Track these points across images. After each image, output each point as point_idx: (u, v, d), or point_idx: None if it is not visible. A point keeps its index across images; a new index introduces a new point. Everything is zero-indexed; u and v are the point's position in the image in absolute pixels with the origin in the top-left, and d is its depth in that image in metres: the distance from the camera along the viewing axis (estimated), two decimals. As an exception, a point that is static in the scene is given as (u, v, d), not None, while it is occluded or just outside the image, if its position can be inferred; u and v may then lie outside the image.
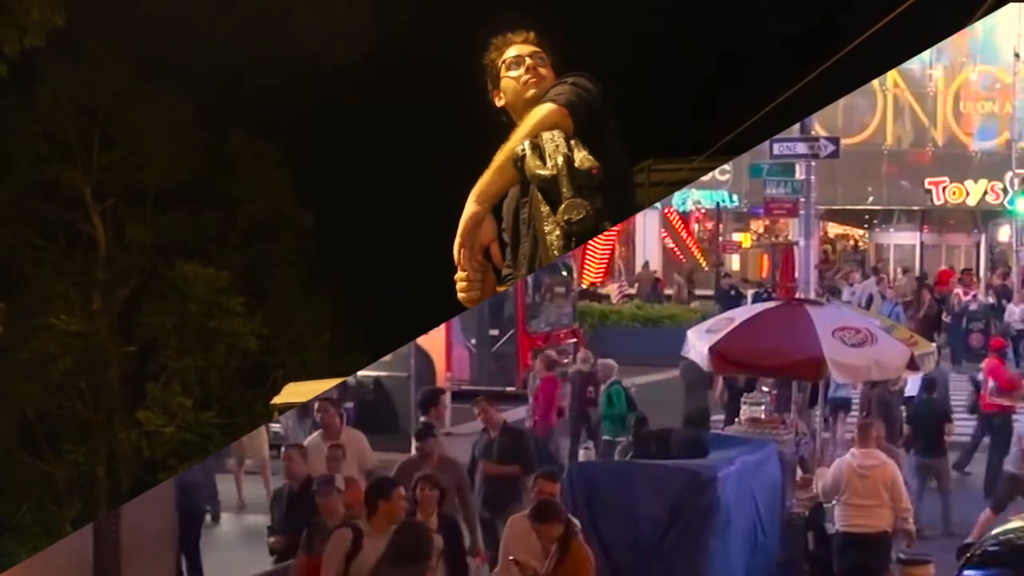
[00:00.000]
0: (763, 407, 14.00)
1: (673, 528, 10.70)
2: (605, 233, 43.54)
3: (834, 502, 12.33)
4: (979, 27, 33.37)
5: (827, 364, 12.64)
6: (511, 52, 5.04)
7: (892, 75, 35.19)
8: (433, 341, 24.87)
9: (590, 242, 43.02)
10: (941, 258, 38.33)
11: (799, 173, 20.69)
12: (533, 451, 13.10)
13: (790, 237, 32.10)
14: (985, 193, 34.97)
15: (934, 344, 15.06)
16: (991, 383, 16.88)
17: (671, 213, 44.66)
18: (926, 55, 34.54)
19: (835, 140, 20.71)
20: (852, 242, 43.77)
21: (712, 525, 10.77)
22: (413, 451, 11.90)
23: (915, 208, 37.53)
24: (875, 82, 34.69)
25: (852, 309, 15.46)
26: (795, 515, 12.79)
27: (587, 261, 42.12)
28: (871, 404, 15.44)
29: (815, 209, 21.66)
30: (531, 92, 4.83)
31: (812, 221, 21.12)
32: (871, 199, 37.39)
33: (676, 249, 45.38)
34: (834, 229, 42.98)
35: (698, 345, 13.56)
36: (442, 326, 24.99)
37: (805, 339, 12.93)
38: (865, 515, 11.89)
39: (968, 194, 35.23)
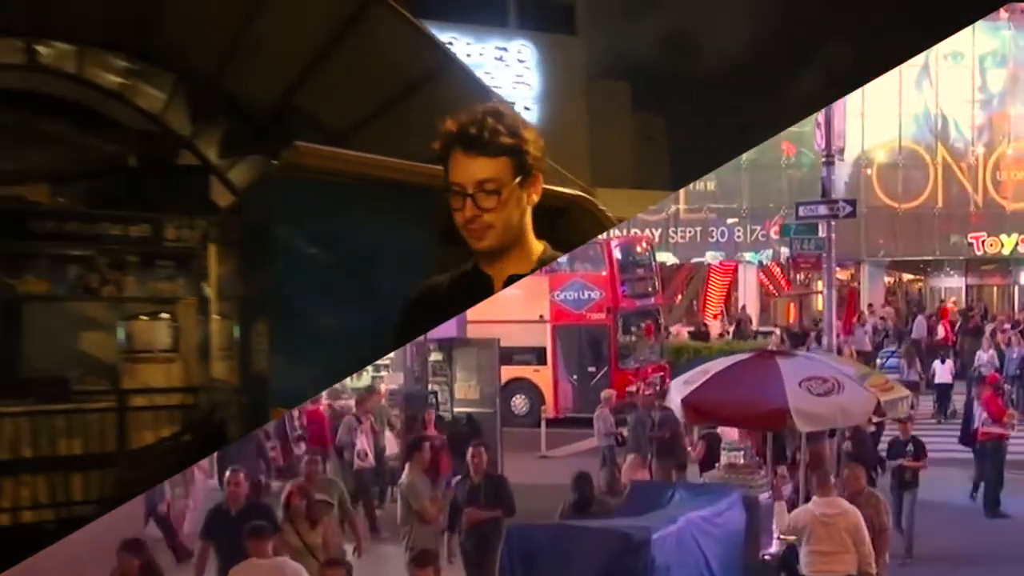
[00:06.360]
0: (743, 452, 10.66)
1: (606, 593, 7.61)
2: (722, 273, 39.50)
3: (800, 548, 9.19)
4: (1014, 111, 32.24)
5: (791, 414, 9.65)
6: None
7: (941, 152, 32.76)
8: (543, 377, 22.93)
9: (711, 279, 39.21)
10: (983, 297, 35.87)
11: (822, 231, 17.06)
12: (512, 497, 9.85)
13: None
14: (1016, 244, 32.14)
15: (907, 391, 11.29)
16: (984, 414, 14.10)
17: (774, 266, 40.44)
18: (969, 135, 32.59)
19: (852, 202, 17.12)
20: (916, 286, 39.26)
21: (645, 587, 7.60)
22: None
23: (960, 258, 34.51)
24: (927, 156, 32.74)
25: (827, 359, 11.93)
26: (768, 559, 9.52)
27: (708, 296, 38.43)
28: (842, 453, 11.77)
29: (836, 263, 18.03)
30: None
31: (833, 273, 17.42)
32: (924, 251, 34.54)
33: (771, 289, 41.08)
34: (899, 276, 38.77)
35: (675, 396, 10.60)
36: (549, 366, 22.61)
37: (772, 390, 10.02)
38: (830, 562, 8.94)
39: (1003, 245, 32.47)
